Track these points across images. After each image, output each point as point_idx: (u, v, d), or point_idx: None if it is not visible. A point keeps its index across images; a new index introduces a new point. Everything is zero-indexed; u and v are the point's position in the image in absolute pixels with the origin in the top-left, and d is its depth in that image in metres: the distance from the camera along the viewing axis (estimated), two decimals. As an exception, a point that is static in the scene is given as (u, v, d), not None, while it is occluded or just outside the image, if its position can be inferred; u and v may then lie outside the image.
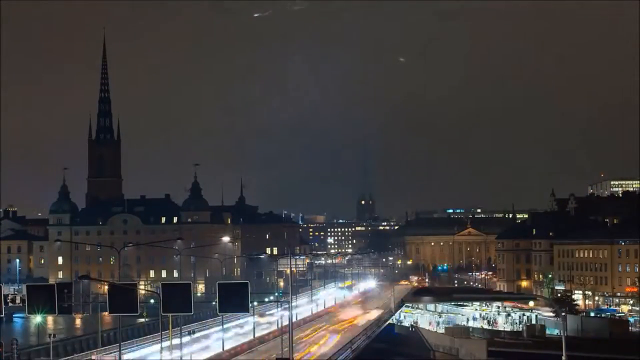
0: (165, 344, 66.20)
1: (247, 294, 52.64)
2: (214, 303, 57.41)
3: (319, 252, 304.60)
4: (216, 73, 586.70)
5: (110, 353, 75.16)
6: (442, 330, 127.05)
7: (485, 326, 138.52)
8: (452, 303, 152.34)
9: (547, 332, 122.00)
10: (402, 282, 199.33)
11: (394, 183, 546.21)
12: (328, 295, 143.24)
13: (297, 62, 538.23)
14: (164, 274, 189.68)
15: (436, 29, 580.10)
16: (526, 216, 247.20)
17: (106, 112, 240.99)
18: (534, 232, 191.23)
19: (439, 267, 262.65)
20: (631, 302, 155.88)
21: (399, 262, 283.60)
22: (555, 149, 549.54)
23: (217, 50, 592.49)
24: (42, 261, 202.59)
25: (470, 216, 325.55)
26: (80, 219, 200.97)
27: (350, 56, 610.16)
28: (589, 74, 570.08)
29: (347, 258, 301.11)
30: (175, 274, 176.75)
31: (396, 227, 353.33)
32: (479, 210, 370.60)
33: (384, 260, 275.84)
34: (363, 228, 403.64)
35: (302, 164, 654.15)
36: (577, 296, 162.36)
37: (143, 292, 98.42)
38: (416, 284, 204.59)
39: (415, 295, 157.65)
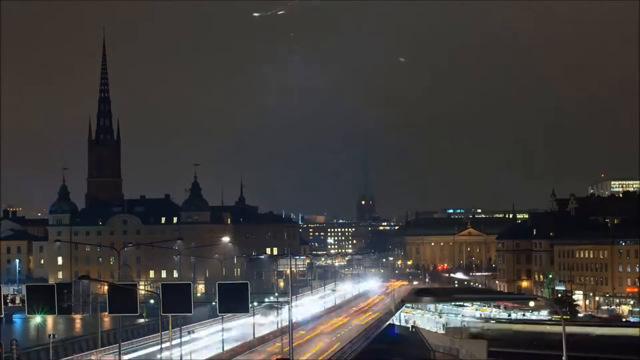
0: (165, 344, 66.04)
1: (247, 294, 52.58)
2: (213, 303, 57.30)
3: (319, 252, 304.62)
4: (216, 73, 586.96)
5: (110, 353, 75.08)
6: (442, 331, 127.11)
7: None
8: (452, 303, 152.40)
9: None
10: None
11: (394, 183, 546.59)
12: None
13: (297, 62, 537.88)
14: (163, 274, 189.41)
15: (436, 28, 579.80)
16: (526, 216, 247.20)
17: (106, 112, 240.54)
18: (534, 233, 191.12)
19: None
20: (631, 302, 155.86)
21: (399, 262, 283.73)
22: (555, 149, 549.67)
23: (217, 50, 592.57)
24: (42, 261, 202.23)
25: (471, 216, 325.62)
26: (80, 219, 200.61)
27: (350, 56, 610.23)
28: (589, 73, 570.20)
29: (347, 258, 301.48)
30: (175, 274, 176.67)
31: (396, 227, 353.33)
32: (479, 211, 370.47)
33: (384, 260, 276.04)
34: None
35: (302, 164, 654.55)
36: (578, 296, 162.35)
37: (143, 292, 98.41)
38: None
39: (416, 296, 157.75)
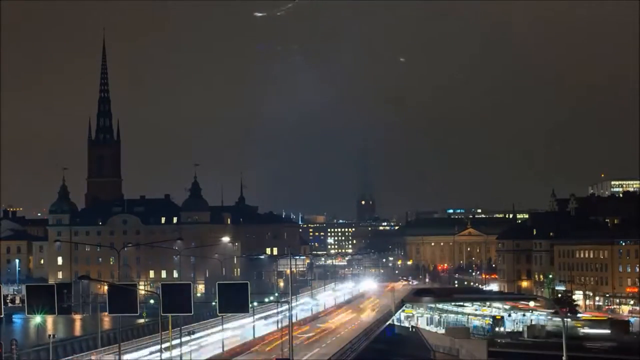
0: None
1: (247, 294, 52.54)
2: (213, 303, 57.24)
3: (319, 252, 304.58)
4: (216, 73, 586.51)
5: (110, 353, 74.96)
6: (442, 331, 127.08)
7: (486, 326, 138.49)
8: (452, 303, 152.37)
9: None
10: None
11: (394, 183, 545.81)
12: None
13: (297, 62, 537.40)
14: (163, 274, 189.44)
15: (436, 28, 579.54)
16: (526, 216, 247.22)
17: (106, 112, 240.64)
18: (535, 233, 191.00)
19: None
20: (632, 302, 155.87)
21: (399, 262, 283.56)
22: (555, 149, 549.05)
23: (216, 49, 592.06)
24: (42, 261, 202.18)
25: (471, 216, 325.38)
26: (80, 219, 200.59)
27: (350, 55, 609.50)
28: (589, 73, 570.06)
29: (347, 258, 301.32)
30: (175, 275, 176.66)
31: (396, 227, 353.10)
32: (479, 211, 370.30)
33: (384, 260, 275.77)
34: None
35: (302, 164, 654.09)
36: (578, 296, 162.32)
37: (143, 292, 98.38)
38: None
39: (415, 296, 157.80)
